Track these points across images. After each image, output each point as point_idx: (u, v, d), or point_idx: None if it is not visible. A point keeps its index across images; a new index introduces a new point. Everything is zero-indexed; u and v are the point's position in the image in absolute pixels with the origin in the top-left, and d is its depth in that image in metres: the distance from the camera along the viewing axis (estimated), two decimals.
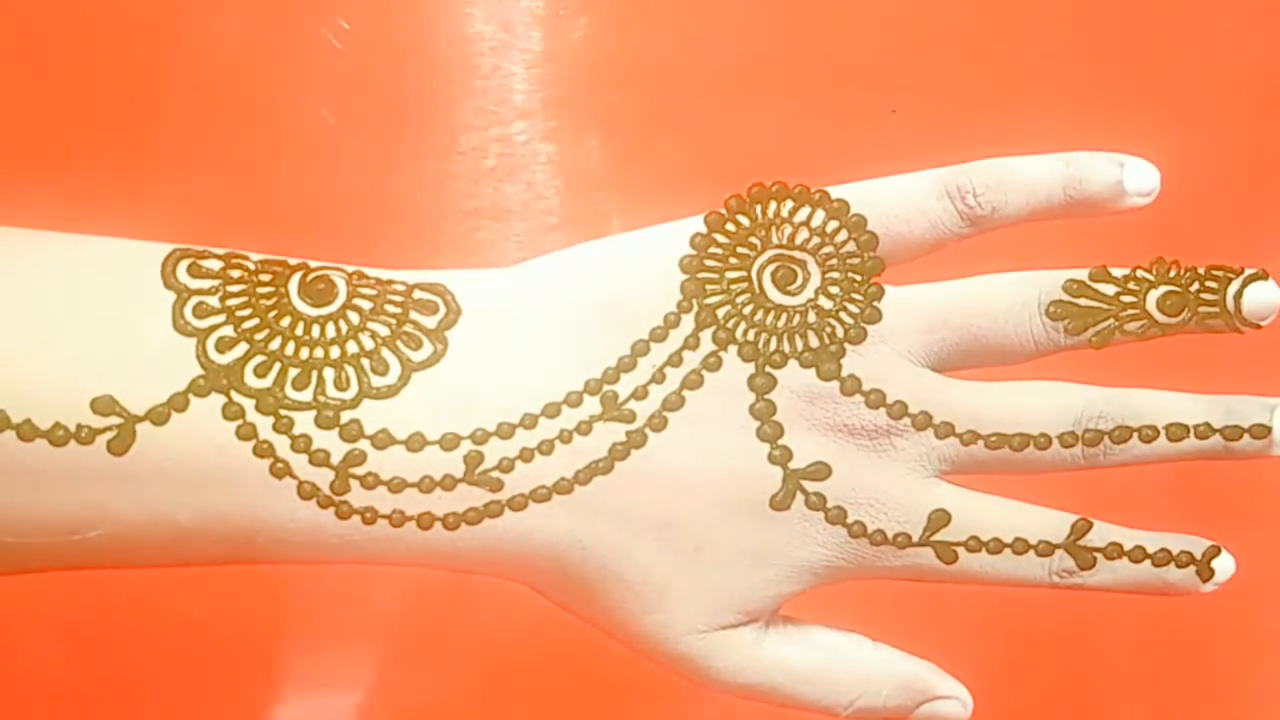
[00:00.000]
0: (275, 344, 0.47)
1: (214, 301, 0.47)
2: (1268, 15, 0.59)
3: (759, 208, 0.49)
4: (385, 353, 0.48)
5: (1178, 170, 0.50)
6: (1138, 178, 0.50)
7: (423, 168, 0.54)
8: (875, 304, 0.49)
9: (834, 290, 0.49)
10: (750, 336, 0.49)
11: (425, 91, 0.54)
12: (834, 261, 0.49)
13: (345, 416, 0.47)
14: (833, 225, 0.49)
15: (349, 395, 0.47)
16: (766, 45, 0.56)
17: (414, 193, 0.55)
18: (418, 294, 0.48)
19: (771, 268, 0.49)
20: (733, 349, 0.49)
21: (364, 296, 0.48)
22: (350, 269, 0.49)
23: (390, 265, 0.49)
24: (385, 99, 0.55)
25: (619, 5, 0.55)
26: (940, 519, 0.50)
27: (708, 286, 0.49)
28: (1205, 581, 0.51)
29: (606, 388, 0.49)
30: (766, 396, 0.49)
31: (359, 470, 0.47)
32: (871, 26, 0.56)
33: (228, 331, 0.47)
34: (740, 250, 0.49)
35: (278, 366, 0.47)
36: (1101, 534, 0.50)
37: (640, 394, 0.49)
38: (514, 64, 0.54)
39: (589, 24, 0.54)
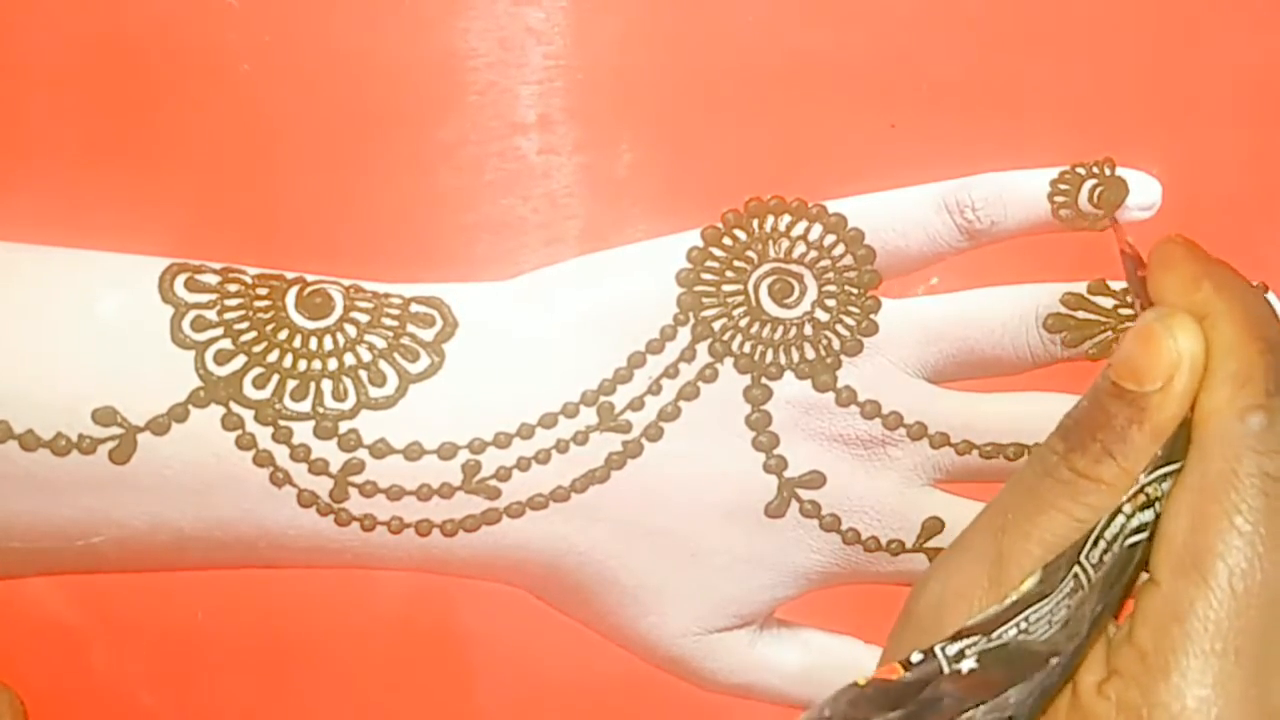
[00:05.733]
0: (273, 356, 0.48)
1: (212, 315, 0.47)
2: (1266, 27, 0.59)
3: (756, 222, 0.49)
4: (383, 364, 0.48)
5: (1177, 184, 0.50)
6: (1138, 192, 0.50)
7: (420, 182, 0.54)
8: (871, 316, 0.50)
9: (830, 303, 0.49)
10: (746, 349, 0.49)
11: (423, 106, 0.55)
12: (831, 275, 0.49)
13: (344, 426, 0.48)
14: (830, 239, 0.49)
15: (347, 406, 0.48)
16: (764, 60, 0.56)
17: (411, 207, 0.55)
18: (414, 307, 0.49)
19: (768, 281, 0.49)
20: (729, 361, 0.49)
21: (361, 310, 0.48)
22: (347, 282, 0.49)
23: (387, 279, 0.50)
24: (382, 114, 0.55)
25: (617, 21, 0.55)
26: (934, 526, 0.50)
27: (704, 300, 0.49)
28: None
29: (603, 399, 0.49)
30: (762, 407, 0.49)
31: (357, 478, 0.48)
32: (870, 41, 0.56)
33: (226, 344, 0.47)
34: (737, 264, 0.49)
35: (276, 378, 0.47)
36: None
37: (636, 405, 0.49)
38: (510, 80, 0.54)
39: (587, 40, 0.55)
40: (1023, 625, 0.37)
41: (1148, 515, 0.36)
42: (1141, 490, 0.36)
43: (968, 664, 0.36)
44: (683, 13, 0.56)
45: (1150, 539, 0.36)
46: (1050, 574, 0.37)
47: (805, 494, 0.50)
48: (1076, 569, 0.37)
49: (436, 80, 0.54)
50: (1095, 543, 0.37)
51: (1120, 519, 0.36)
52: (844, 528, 0.50)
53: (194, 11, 0.54)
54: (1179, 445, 0.37)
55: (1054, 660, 0.36)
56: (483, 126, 0.55)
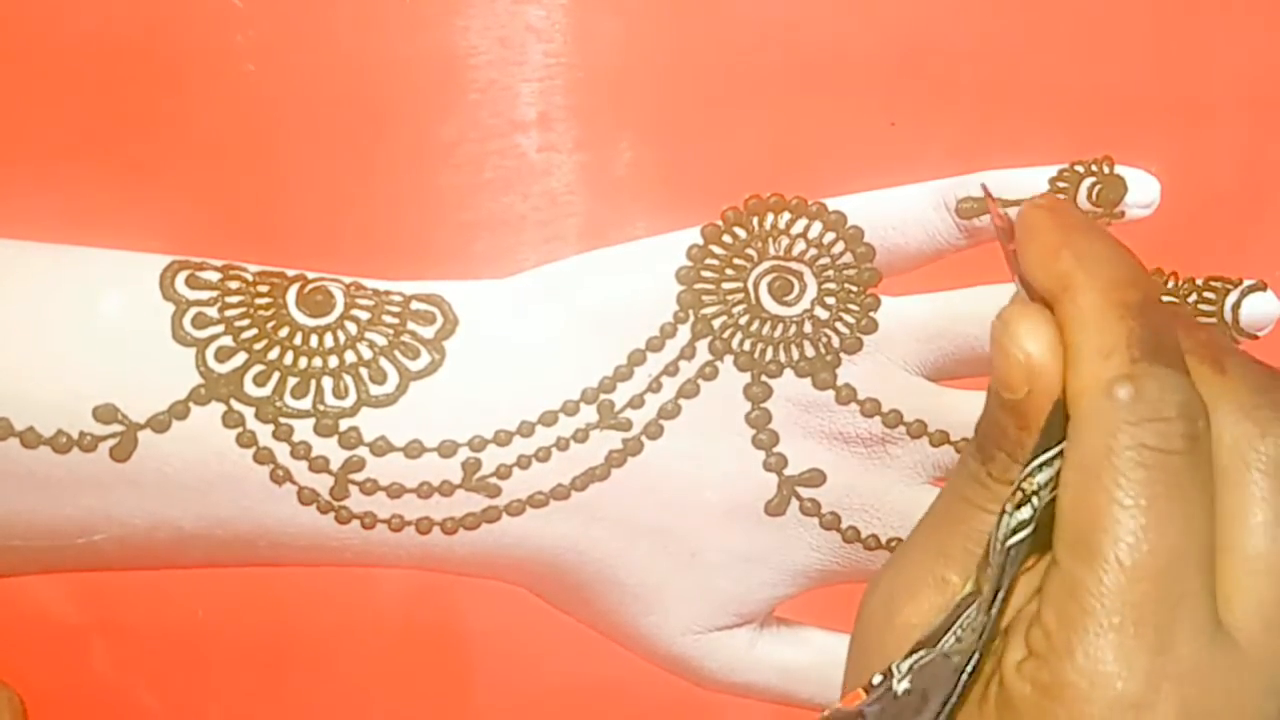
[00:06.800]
0: (274, 354, 0.48)
1: (212, 312, 0.47)
2: (1265, 27, 0.59)
3: (756, 220, 0.49)
4: (383, 362, 0.48)
5: (1176, 182, 0.50)
6: (1137, 189, 0.50)
7: (420, 180, 0.54)
8: (871, 314, 0.50)
9: (830, 301, 0.49)
10: (746, 346, 0.49)
11: (423, 104, 0.55)
12: (831, 273, 0.49)
13: (344, 424, 0.48)
14: (829, 237, 0.49)
15: (348, 403, 0.48)
16: (764, 58, 0.56)
17: (411, 204, 0.55)
18: (415, 304, 0.49)
19: (768, 279, 0.49)
20: (729, 359, 0.49)
21: (361, 307, 0.49)
22: (348, 280, 0.49)
23: (387, 276, 0.50)
24: (383, 112, 0.55)
25: (617, 20, 0.56)
26: None
27: (704, 298, 0.49)
28: None
29: (603, 397, 0.49)
30: (762, 405, 0.49)
31: (358, 476, 0.48)
32: (869, 39, 0.56)
33: (227, 341, 0.47)
34: (737, 262, 0.49)
35: (277, 375, 0.47)
36: None
37: (637, 403, 0.49)
38: (511, 77, 0.55)
39: (587, 37, 0.55)
40: (958, 633, 0.37)
41: (1025, 513, 0.36)
42: (1018, 488, 0.36)
43: (904, 685, 0.36)
44: (683, 11, 0.56)
45: (1034, 530, 0.36)
46: (979, 575, 0.37)
47: (805, 492, 0.50)
48: (988, 572, 0.37)
49: (436, 78, 0.54)
50: (993, 545, 0.37)
51: (1004, 519, 0.36)
52: (844, 526, 0.50)
53: (199, 11, 0.54)
54: (1054, 430, 0.36)
55: (963, 670, 0.36)
56: (483, 124, 0.55)
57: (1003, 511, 0.36)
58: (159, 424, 0.47)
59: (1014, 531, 0.36)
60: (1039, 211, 0.38)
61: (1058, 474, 0.36)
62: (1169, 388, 0.35)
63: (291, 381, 0.47)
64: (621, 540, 0.50)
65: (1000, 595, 0.36)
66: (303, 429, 0.47)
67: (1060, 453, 0.36)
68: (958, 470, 0.39)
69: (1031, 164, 0.50)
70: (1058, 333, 0.36)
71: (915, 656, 0.37)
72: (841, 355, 0.50)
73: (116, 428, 0.46)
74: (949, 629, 0.37)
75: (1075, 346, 0.36)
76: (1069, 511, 0.35)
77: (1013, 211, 0.42)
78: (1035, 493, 0.36)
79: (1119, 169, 0.50)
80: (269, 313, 0.48)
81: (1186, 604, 0.35)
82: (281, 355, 0.48)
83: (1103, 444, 0.35)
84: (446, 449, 0.48)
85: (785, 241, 0.49)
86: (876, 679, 0.37)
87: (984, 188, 0.48)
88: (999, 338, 0.37)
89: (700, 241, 0.49)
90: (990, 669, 0.37)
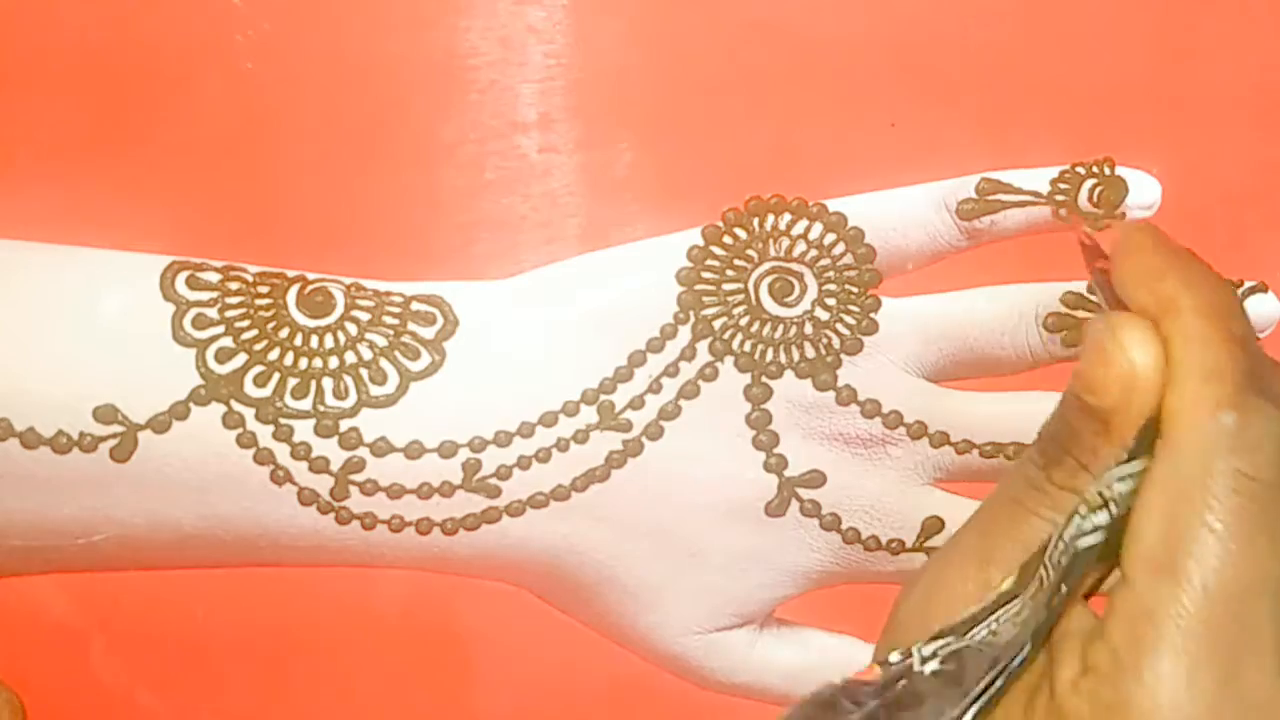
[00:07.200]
0: (274, 354, 0.47)
1: (213, 313, 0.47)
2: (1266, 27, 0.59)
3: (756, 221, 0.49)
4: (383, 363, 0.48)
5: (1177, 182, 0.50)
6: (1138, 191, 0.50)
7: (421, 180, 0.55)
8: (872, 315, 0.50)
9: (831, 302, 0.49)
10: (747, 348, 0.49)
11: (424, 105, 0.55)
12: (831, 274, 0.49)
13: (344, 425, 0.48)
14: (830, 238, 0.49)
15: (348, 404, 0.48)
16: (764, 59, 0.56)
17: (412, 205, 0.55)
18: (415, 305, 0.49)
19: (769, 280, 0.49)
20: (729, 360, 0.49)
21: (362, 308, 0.48)
22: (348, 281, 0.49)
23: (388, 277, 0.50)
24: (384, 113, 0.55)
25: (617, 21, 0.56)
26: (934, 525, 0.50)
27: (704, 298, 0.49)
28: None
29: (603, 397, 0.49)
30: (762, 406, 0.49)
31: (358, 477, 0.48)
32: (870, 40, 0.56)
33: (227, 342, 0.47)
34: (737, 263, 0.49)
35: (277, 376, 0.47)
36: None
37: (637, 404, 0.49)
38: (511, 78, 0.55)
39: (588, 39, 0.55)
40: (994, 626, 0.36)
41: (1102, 517, 0.36)
42: (1098, 493, 0.36)
43: (932, 666, 0.36)
44: (683, 11, 0.56)
45: (1105, 539, 0.36)
46: (1023, 574, 0.37)
47: (805, 493, 0.50)
48: (1041, 570, 0.37)
49: (438, 79, 0.55)
50: (1057, 544, 0.36)
51: (1076, 520, 0.36)
52: (844, 527, 0.50)
53: (199, 11, 0.54)
54: (1142, 444, 0.36)
55: (1000, 664, 0.36)
56: (484, 125, 0.55)
57: (1074, 512, 0.36)
58: (159, 424, 0.47)
59: (1089, 533, 0.36)
60: (1144, 234, 0.38)
61: (1134, 489, 0.35)
62: (1271, 420, 0.35)
63: (292, 382, 0.47)
64: (622, 541, 0.49)
65: (1064, 593, 0.36)
66: (303, 430, 0.47)
67: (1143, 468, 0.36)
68: (1011, 475, 0.39)
69: (1032, 164, 0.50)
70: (1163, 349, 0.36)
71: (940, 642, 0.36)
72: (842, 356, 0.49)
73: (116, 428, 0.46)
74: (981, 622, 0.37)
75: (1180, 364, 0.36)
76: (1155, 530, 0.35)
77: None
78: (1114, 499, 0.36)
79: (1120, 170, 0.50)
80: (269, 314, 0.48)
81: (1260, 637, 0.34)
82: (282, 356, 0.48)
83: (1200, 465, 0.34)
84: (447, 450, 0.48)
85: (786, 243, 0.49)
86: (894, 656, 0.36)
87: (1073, 211, 0.48)
88: (1103, 343, 0.36)
89: (701, 242, 0.49)
90: (1034, 679, 0.36)
